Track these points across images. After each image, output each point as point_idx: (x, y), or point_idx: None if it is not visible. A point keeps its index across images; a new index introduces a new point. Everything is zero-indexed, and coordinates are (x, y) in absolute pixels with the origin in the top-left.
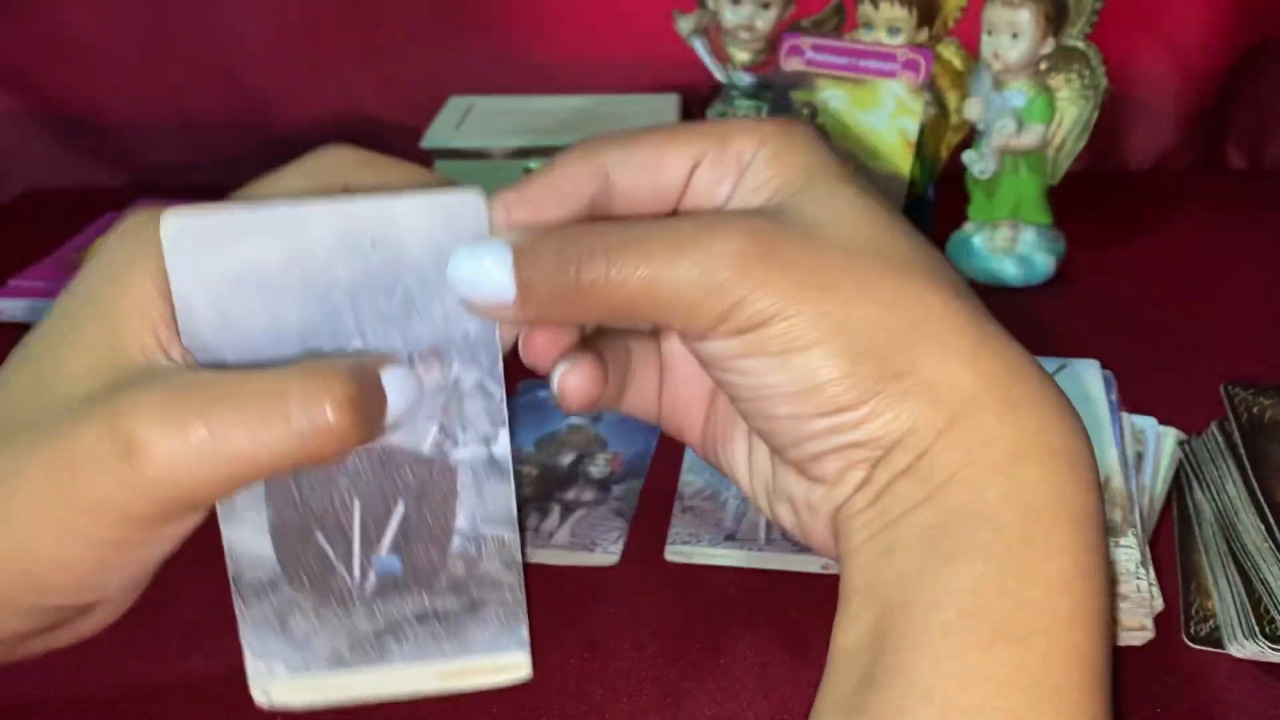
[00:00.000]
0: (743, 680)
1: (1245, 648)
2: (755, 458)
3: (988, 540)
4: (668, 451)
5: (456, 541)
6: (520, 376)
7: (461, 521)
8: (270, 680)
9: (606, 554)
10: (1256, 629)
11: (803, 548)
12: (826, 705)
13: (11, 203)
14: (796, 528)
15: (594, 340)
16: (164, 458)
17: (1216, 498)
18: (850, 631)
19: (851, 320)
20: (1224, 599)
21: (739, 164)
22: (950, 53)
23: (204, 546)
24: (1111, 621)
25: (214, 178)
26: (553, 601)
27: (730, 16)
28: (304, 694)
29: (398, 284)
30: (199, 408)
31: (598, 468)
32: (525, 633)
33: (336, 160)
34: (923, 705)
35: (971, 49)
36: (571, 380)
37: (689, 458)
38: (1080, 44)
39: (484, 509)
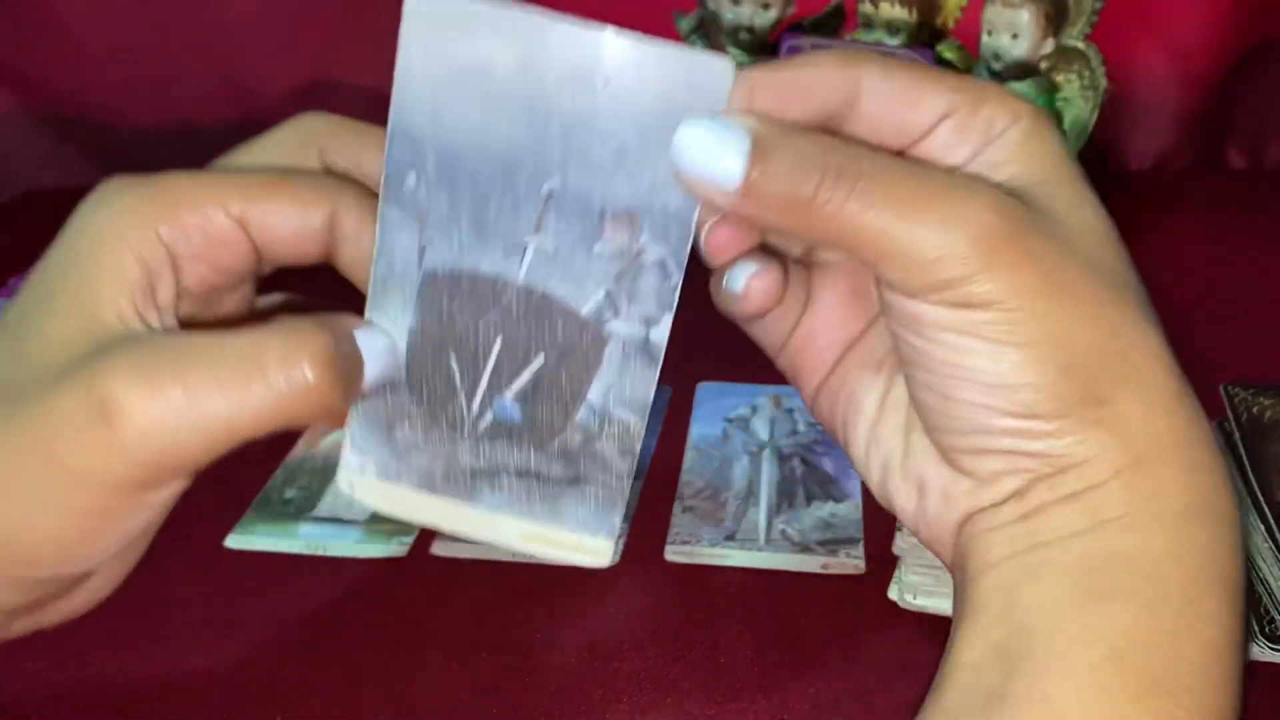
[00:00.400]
0: (743, 680)
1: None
2: (882, 427)
3: (1147, 589)
4: (668, 451)
5: (582, 412)
6: None
7: (594, 394)
8: (359, 475)
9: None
10: (1256, 629)
11: (803, 548)
12: (945, 716)
13: (11, 203)
14: (914, 513)
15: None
16: (141, 420)
17: None
18: (977, 646)
19: (1074, 334)
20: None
21: (986, 133)
22: (950, 53)
23: (205, 547)
24: (1243, 693)
25: None
26: (553, 601)
27: (730, 16)
28: (385, 501)
29: (616, 133)
30: (175, 369)
31: None
32: (619, 521)
33: (312, 127)
34: None
35: (971, 49)
36: (758, 284)
37: (689, 458)
38: (1080, 44)
39: (620, 389)
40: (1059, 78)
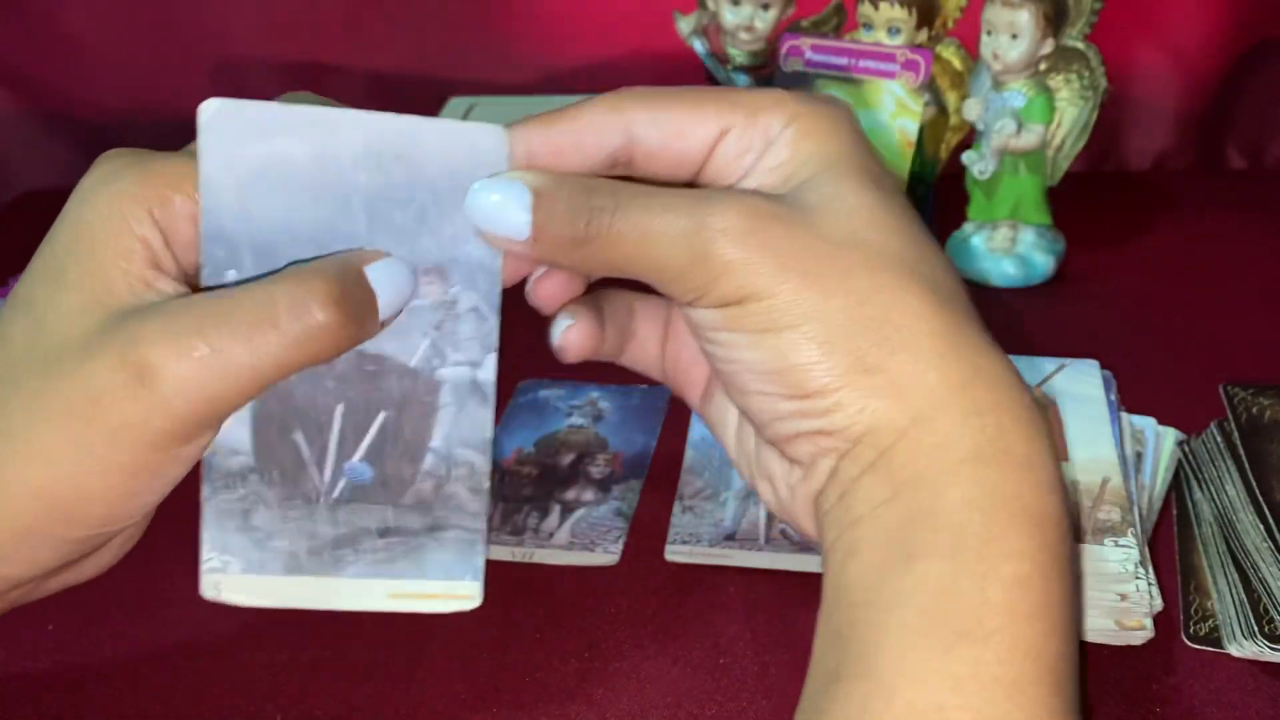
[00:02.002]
0: (743, 680)
1: (1244, 647)
2: (743, 430)
3: (947, 541)
4: (668, 451)
5: (429, 459)
6: (519, 377)
7: (437, 440)
8: (223, 575)
9: (606, 554)
10: (1256, 629)
11: (803, 547)
12: (802, 705)
13: (11, 203)
14: (776, 505)
15: (600, 293)
16: (174, 377)
17: (1216, 498)
18: (822, 632)
19: (827, 310)
20: (1223, 599)
21: (765, 138)
22: (950, 53)
23: None
24: (1078, 619)
25: None
26: (553, 601)
27: (730, 17)
28: (254, 594)
29: (413, 199)
30: (197, 326)
31: (598, 468)
32: (481, 562)
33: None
34: (883, 705)
35: (971, 49)
36: (572, 335)
37: (689, 458)
38: (1080, 44)
39: (460, 431)
40: (1059, 78)
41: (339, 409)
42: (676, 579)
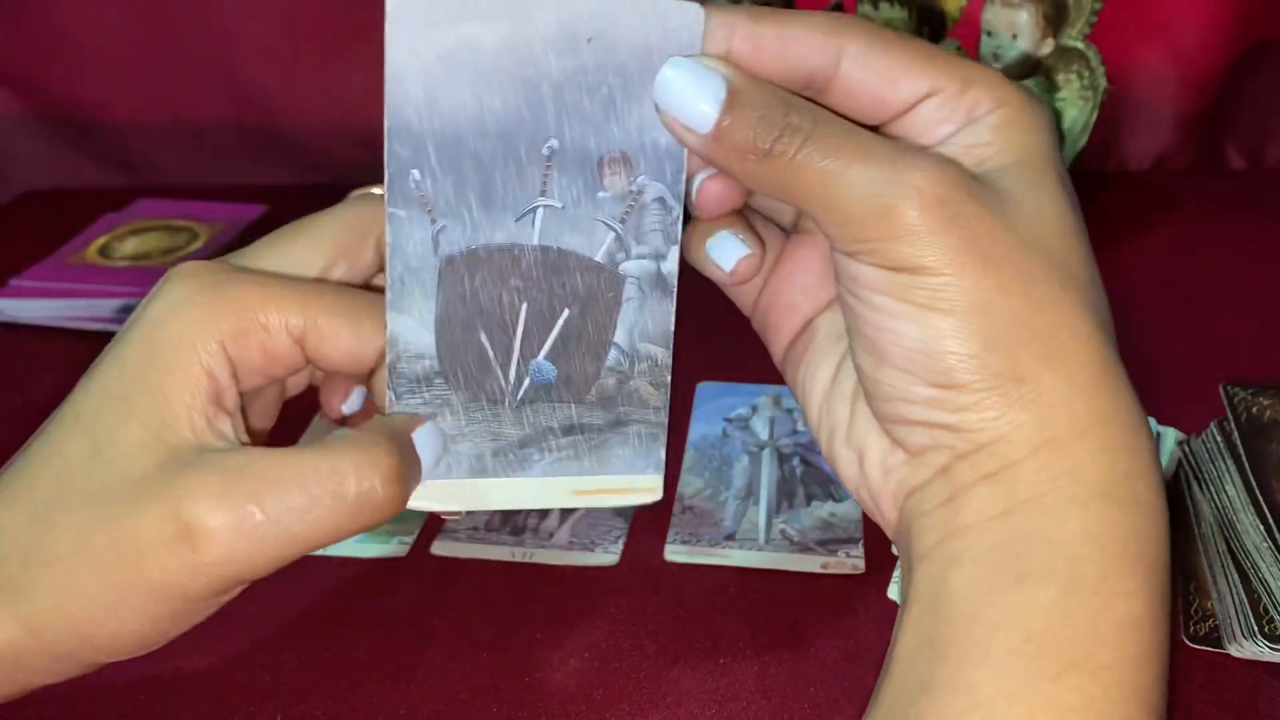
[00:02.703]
0: (743, 680)
1: (1244, 648)
2: (836, 392)
3: (1063, 569)
4: (668, 452)
5: (613, 355)
6: None
7: (620, 335)
8: None
9: (606, 554)
10: (1256, 629)
11: (803, 547)
12: (881, 710)
13: (11, 203)
14: (856, 480)
15: (750, 219)
16: (224, 542)
17: (1216, 497)
18: (910, 637)
19: (999, 305)
20: (1223, 599)
21: (969, 114)
22: (950, 53)
23: None
24: (1169, 670)
25: (214, 177)
26: (553, 601)
27: None
28: (440, 499)
29: (603, 84)
30: (255, 492)
31: None
32: (663, 455)
33: (367, 214)
34: None
35: (971, 49)
36: (744, 265)
37: (689, 458)
38: (1080, 44)
39: (643, 325)
40: (1059, 78)
41: (524, 307)
42: (676, 579)
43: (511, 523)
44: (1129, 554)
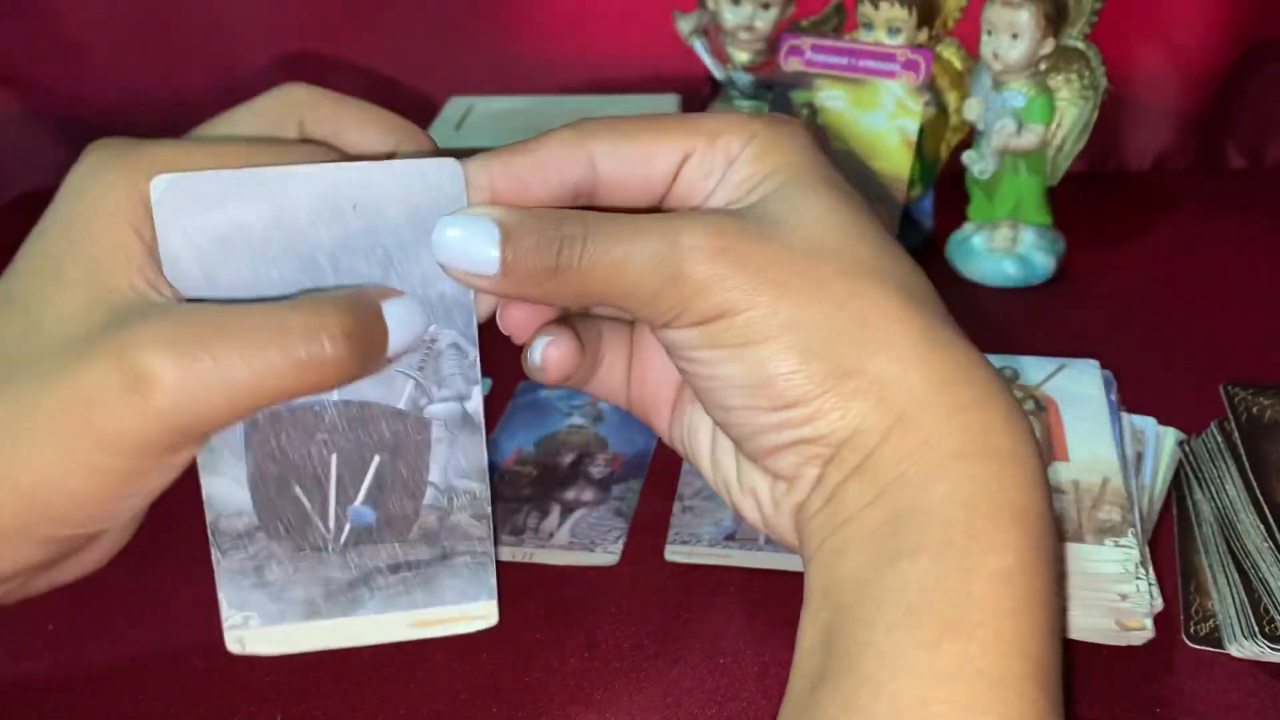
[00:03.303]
0: (743, 680)
1: (1245, 648)
2: (719, 449)
3: (933, 537)
4: (668, 451)
5: (430, 493)
6: (519, 377)
7: (434, 475)
8: (245, 631)
9: (606, 554)
10: (1256, 629)
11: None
12: (787, 707)
13: (11, 203)
14: (760, 522)
15: (570, 319)
16: (172, 388)
17: (1216, 498)
18: (808, 633)
19: (803, 318)
20: (1224, 599)
21: (726, 159)
22: (950, 53)
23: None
24: (1061, 614)
25: None
26: (553, 601)
27: (730, 17)
28: (278, 643)
29: (377, 246)
30: (204, 339)
31: (598, 468)
32: (493, 581)
33: (292, 97)
34: (870, 702)
35: (971, 49)
36: (553, 353)
37: None
38: (1080, 44)
39: (456, 463)
40: (1059, 78)
41: (333, 459)
42: (676, 579)
43: (511, 523)
44: (995, 506)
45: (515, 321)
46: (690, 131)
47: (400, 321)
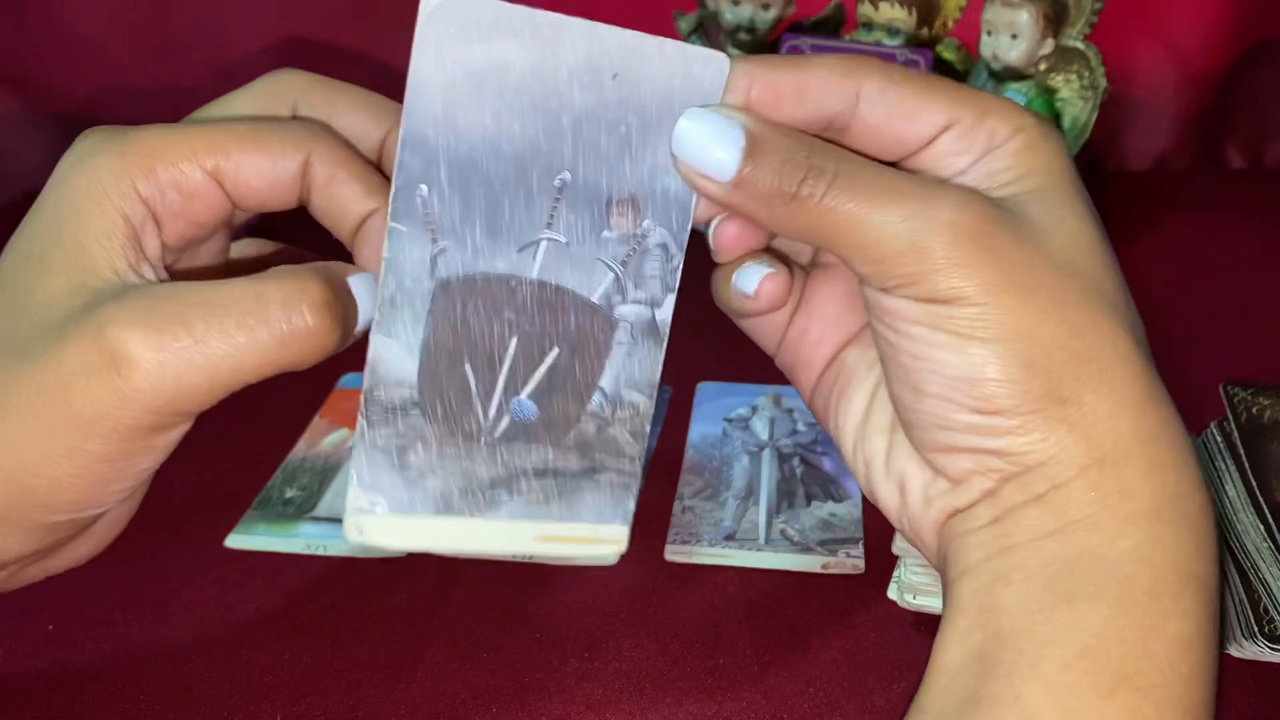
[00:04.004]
0: (743, 680)
1: (1245, 648)
2: (870, 425)
3: (1114, 588)
4: (668, 452)
5: (596, 399)
6: None
7: (606, 380)
8: (368, 517)
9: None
10: (1256, 629)
11: (803, 547)
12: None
13: (12, 203)
14: (898, 511)
15: (773, 248)
16: (150, 366)
17: (1216, 498)
18: (955, 649)
19: (1038, 331)
20: (1223, 599)
21: (988, 142)
22: (950, 53)
23: (205, 547)
24: (1218, 689)
25: None
26: (553, 601)
27: (730, 16)
28: (399, 536)
29: (622, 122)
30: (180, 316)
31: None
32: (633, 506)
33: (285, 81)
34: None
35: (971, 49)
36: (769, 286)
37: (689, 458)
38: (1080, 44)
39: (631, 371)
40: (1058, 78)
41: (513, 342)
42: (676, 579)
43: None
44: (1180, 573)
45: (729, 237)
46: (961, 101)
47: (365, 296)
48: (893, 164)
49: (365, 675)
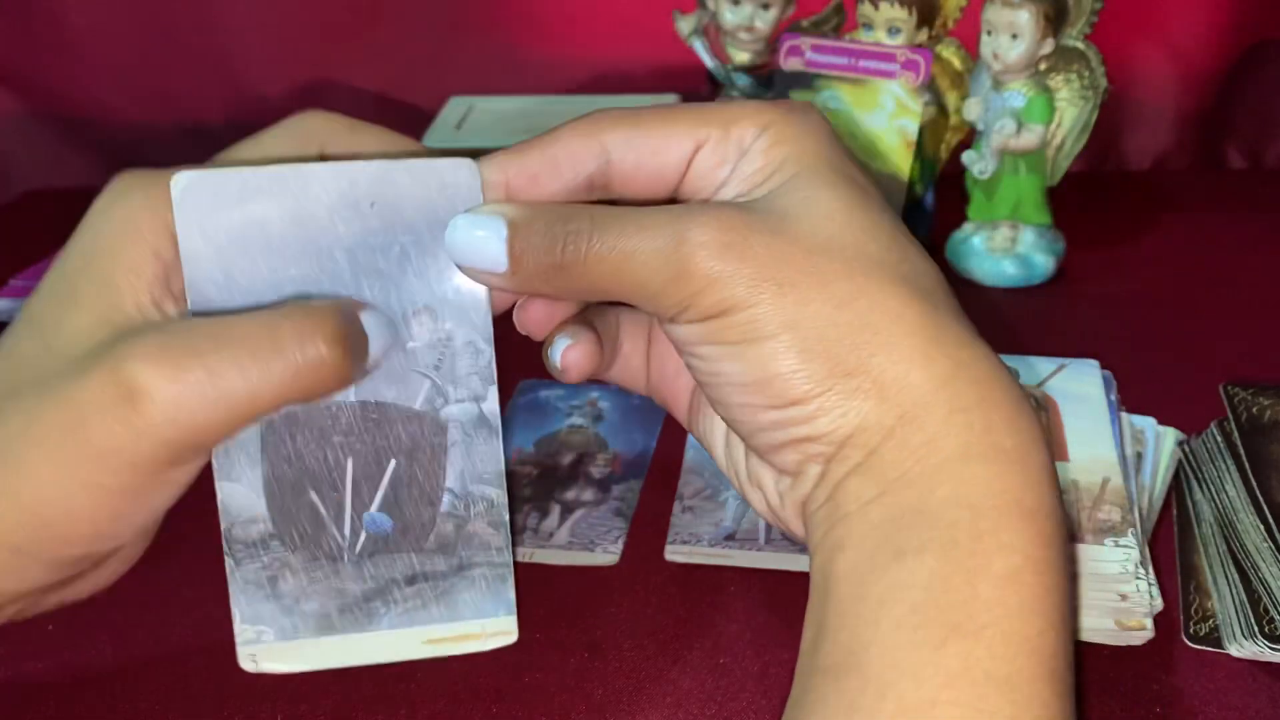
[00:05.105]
0: (743, 680)
1: (1245, 648)
2: (731, 442)
3: (936, 537)
4: (668, 451)
5: (446, 500)
6: (520, 376)
7: (451, 480)
8: (258, 646)
9: (606, 554)
10: (1256, 629)
11: (804, 547)
12: (791, 704)
13: (11, 203)
14: (768, 513)
15: (587, 310)
16: (166, 401)
17: (1216, 497)
18: (808, 629)
19: (805, 316)
20: (1223, 599)
21: (739, 148)
22: (950, 53)
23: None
24: (1072, 614)
25: None
26: (553, 601)
27: (730, 17)
28: (291, 660)
29: (394, 243)
30: (196, 350)
31: (598, 468)
32: (513, 595)
33: (313, 125)
34: (876, 702)
35: (971, 49)
36: (572, 355)
37: (689, 458)
38: (1080, 44)
39: (473, 467)
40: (1058, 78)
41: (349, 463)
42: (676, 579)
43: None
44: (999, 507)
45: (532, 319)
46: (703, 121)
47: (376, 329)
48: (668, 200)
49: (365, 675)
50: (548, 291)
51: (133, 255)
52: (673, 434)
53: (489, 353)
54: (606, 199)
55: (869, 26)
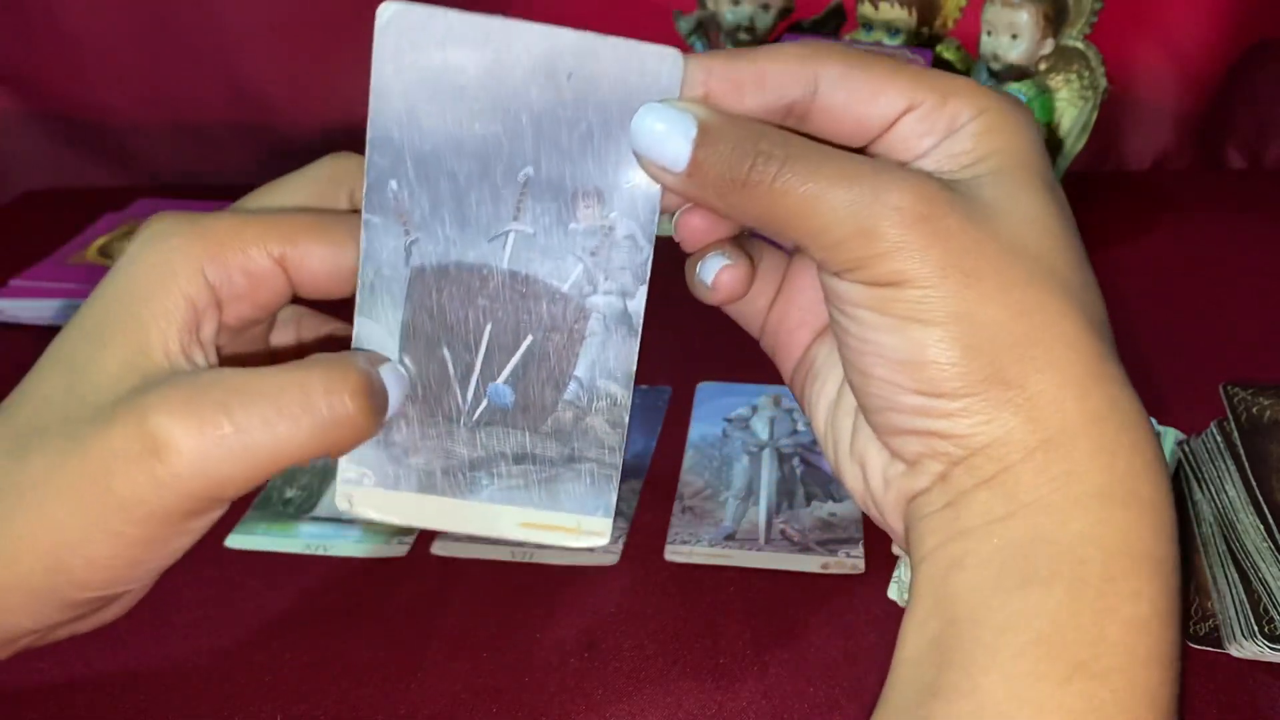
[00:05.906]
0: (743, 680)
1: (1245, 648)
2: (840, 408)
3: (1066, 572)
4: (668, 451)
5: (572, 388)
6: None
7: (581, 369)
8: (357, 488)
9: (606, 554)
10: (1256, 629)
11: (803, 547)
12: (888, 712)
13: (11, 203)
14: (862, 493)
15: (741, 239)
16: (191, 454)
17: (1216, 498)
18: (915, 639)
19: (981, 314)
20: (1223, 599)
21: (950, 124)
22: (950, 53)
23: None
24: (1181, 670)
25: (214, 178)
26: (553, 601)
27: (730, 17)
28: (386, 509)
29: (582, 119)
30: (223, 404)
31: None
32: (614, 499)
33: (342, 168)
34: None
35: (971, 49)
36: (726, 276)
37: (689, 458)
38: (1080, 44)
39: (606, 362)
40: (1058, 78)
41: (488, 328)
42: (676, 579)
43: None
44: (1132, 554)
45: (691, 228)
46: (921, 84)
47: (394, 384)
48: (858, 149)
49: (365, 675)
50: (717, 205)
51: (166, 299)
52: (673, 434)
53: (648, 251)
54: (798, 130)
55: (869, 26)
